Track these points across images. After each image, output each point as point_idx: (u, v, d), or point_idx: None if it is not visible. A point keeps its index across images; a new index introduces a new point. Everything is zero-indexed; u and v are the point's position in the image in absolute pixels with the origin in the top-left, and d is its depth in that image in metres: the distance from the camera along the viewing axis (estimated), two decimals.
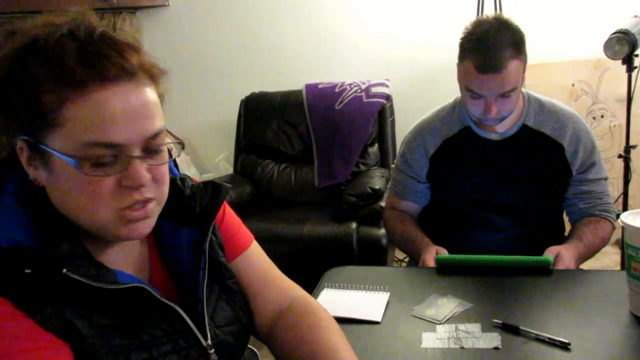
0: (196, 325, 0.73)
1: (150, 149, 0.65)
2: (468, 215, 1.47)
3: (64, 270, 0.61)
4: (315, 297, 1.17)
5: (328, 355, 0.77)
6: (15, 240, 0.62)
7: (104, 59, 0.61)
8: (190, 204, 0.78)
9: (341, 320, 1.05)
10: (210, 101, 3.31)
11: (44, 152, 0.62)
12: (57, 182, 0.64)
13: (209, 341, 0.74)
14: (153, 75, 0.67)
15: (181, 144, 0.72)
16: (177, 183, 0.79)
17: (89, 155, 0.61)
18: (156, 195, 0.67)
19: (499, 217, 1.45)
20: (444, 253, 1.33)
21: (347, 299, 1.14)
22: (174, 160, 0.81)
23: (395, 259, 2.91)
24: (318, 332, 0.82)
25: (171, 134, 3.02)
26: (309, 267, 2.31)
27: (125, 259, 0.74)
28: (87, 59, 0.60)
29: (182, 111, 3.30)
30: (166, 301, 0.70)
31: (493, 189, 1.44)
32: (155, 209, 0.68)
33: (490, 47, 1.25)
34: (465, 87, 1.34)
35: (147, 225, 0.68)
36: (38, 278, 0.61)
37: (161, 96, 0.69)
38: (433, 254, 1.30)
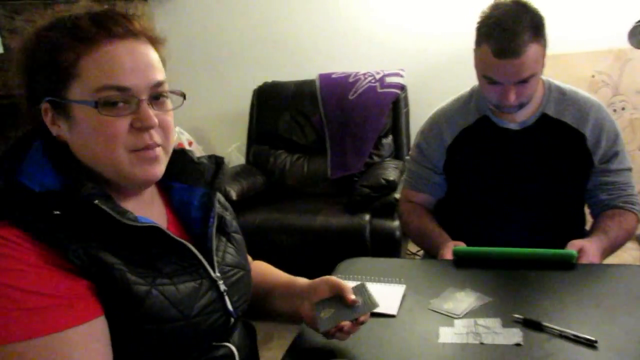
0: (207, 261, 0.82)
1: (155, 96, 0.75)
2: (486, 208, 1.43)
3: (95, 201, 0.69)
4: None
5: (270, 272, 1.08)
6: (45, 185, 0.71)
7: (111, 21, 0.73)
8: (201, 170, 0.90)
9: None
10: (222, 90, 3.28)
11: (66, 105, 0.73)
12: (78, 131, 0.73)
13: (217, 273, 0.83)
14: (154, 40, 0.78)
15: (183, 96, 0.80)
16: (187, 152, 0.92)
17: (103, 98, 0.70)
18: (163, 143, 0.77)
19: (518, 209, 1.40)
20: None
21: None
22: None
23: (408, 252, 2.87)
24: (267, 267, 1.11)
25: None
26: (320, 258, 2.28)
27: (144, 213, 0.80)
28: (97, 21, 0.72)
29: (194, 100, 3.25)
30: (178, 239, 0.78)
31: (512, 180, 1.40)
32: (162, 156, 0.77)
33: (508, 31, 1.20)
34: (482, 73, 1.29)
35: (158, 169, 0.77)
36: (66, 219, 0.68)
37: (163, 60, 0.79)
38: (451, 248, 1.26)
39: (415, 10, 2.90)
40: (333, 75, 2.84)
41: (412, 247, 2.88)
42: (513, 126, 1.39)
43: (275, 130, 2.88)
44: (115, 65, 0.71)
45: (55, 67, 0.71)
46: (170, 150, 0.80)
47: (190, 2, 3.17)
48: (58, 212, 0.68)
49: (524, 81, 1.24)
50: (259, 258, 1.11)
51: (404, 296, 1.08)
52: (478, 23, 1.29)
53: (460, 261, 1.22)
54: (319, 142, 2.81)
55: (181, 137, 3.17)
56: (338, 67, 2.93)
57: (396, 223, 2.25)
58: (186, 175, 0.90)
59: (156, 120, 0.74)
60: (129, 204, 0.78)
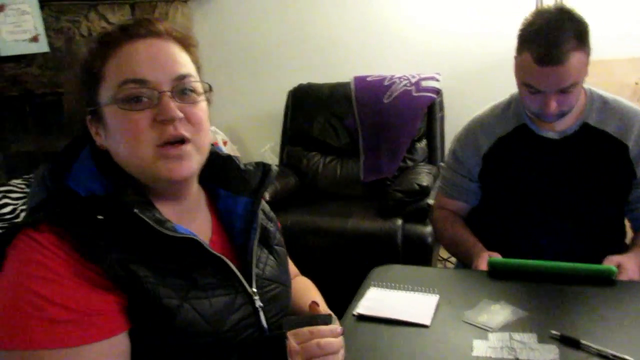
0: (245, 275, 0.81)
1: (179, 90, 0.74)
2: (521, 217, 1.41)
3: (135, 210, 0.70)
4: (361, 295, 1.14)
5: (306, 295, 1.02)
6: (91, 190, 0.73)
7: (136, 25, 0.75)
8: (245, 177, 0.89)
9: (388, 322, 1.03)
10: (257, 91, 3.31)
11: (99, 112, 0.74)
12: (110, 135, 0.74)
13: (254, 288, 0.81)
14: (182, 41, 0.78)
15: (209, 86, 0.80)
16: (234, 159, 0.91)
17: (124, 93, 0.71)
18: (193, 137, 0.74)
19: (555, 221, 1.37)
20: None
21: (394, 300, 1.11)
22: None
23: (440, 258, 2.85)
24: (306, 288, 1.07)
25: None
26: (351, 262, 2.29)
27: (186, 221, 0.81)
28: (124, 27, 0.75)
29: (230, 100, 3.32)
30: (215, 253, 0.77)
31: (550, 191, 1.37)
32: (192, 153, 0.75)
33: (551, 38, 1.18)
34: (522, 81, 1.27)
35: (187, 167, 0.75)
36: (107, 225, 0.69)
37: (195, 63, 0.80)
38: (486, 259, 1.25)
39: (452, 13, 2.87)
40: (368, 78, 2.83)
41: (444, 253, 2.86)
42: (552, 135, 1.36)
43: (309, 132, 2.89)
44: (133, 60, 0.73)
45: (89, 75, 0.75)
46: (205, 148, 0.79)
47: (228, 4, 3.21)
48: (101, 217, 0.69)
49: (566, 90, 1.22)
50: (290, 259, 1.10)
51: (437, 306, 1.07)
52: (520, 30, 1.27)
53: (495, 272, 1.20)
54: (352, 145, 2.81)
55: (216, 136, 3.22)
56: (373, 70, 2.92)
57: (428, 229, 2.24)
58: (232, 182, 0.89)
59: (179, 113, 0.72)
60: (170, 211, 0.79)
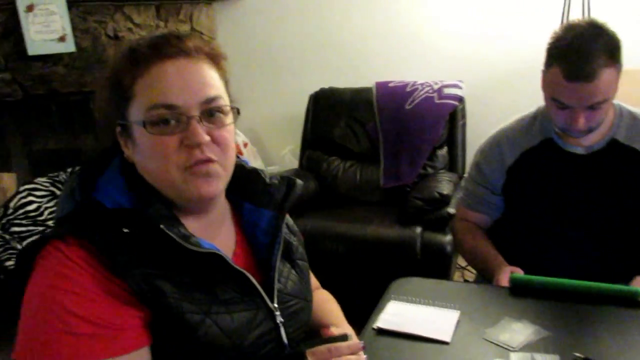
0: (266, 290, 0.81)
1: (207, 112, 0.74)
2: (545, 233, 1.39)
3: (161, 226, 0.71)
4: (381, 308, 1.13)
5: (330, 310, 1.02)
6: (118, 202, 0.74)
7: (165, 43, 0.75)
8: (270, 191, 0.89)
9: (408, 337, 1.02)
10: (279, 94, 3.32)
11: (129, 127, 0.75)
12: (138, 152, 0.75)
13: (276, 304, 0.81)
14: (212, 57, 0.78)
15: (237, 110, 0.80)
16: (260, 172, 0.91)
17: (153, 117, 0.72)
18: (219, 158, 0.75)
19: (580, 238, 1.35)
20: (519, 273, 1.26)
21: (414, 314, 1.10)
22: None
23: (458, 267, 2.82)
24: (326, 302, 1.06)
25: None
26: (370, 268, 2.28)
27: (211, 234, 0.81)
28: (152, 45, 0.74)
29: (252, 102, 3.34)
30: (238, 268, 0.78)
31: (575, 207, 1.35)
32: (219, 172, 0.76)
33: (582, 54, 1.15)
34: (551, 96, 1.25)
35: (212, 185, 0.75)
36: (133, 238, 0.70)
37: (223, 77, 0.80)
38: (508, 275, 1.24)
39: (476, 20, 2.85)
40: (390, 84, 2.82)
41: (463, 261, 2.84)
42: (579, 150, 1.34)
43: (330, 136, 2.89)
44: (163, 84, 0.72)
45: (120, 90, 0.75)
46: (230, 167, 0.79)
47: (253, 6, 3.22)
48: (127, 230, 0.71)
49: (595, 106, 1.20)
50: (308, 263, 1.08)
51: (458, 322, 1.06)
52: (549, 44, 1.25)
53: (517, 289, 1.19)
54: (372, 151, 2.80)
55: (237, 138, 3.24)
56: (395, 75, 2.91)
57: (448, 238, 2.22)
58: (257, 196, 0.89)
59: (206, 137, 0.73)
60: (194, 224, 0.79)
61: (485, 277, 1.38)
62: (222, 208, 0.87)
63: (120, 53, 0.77)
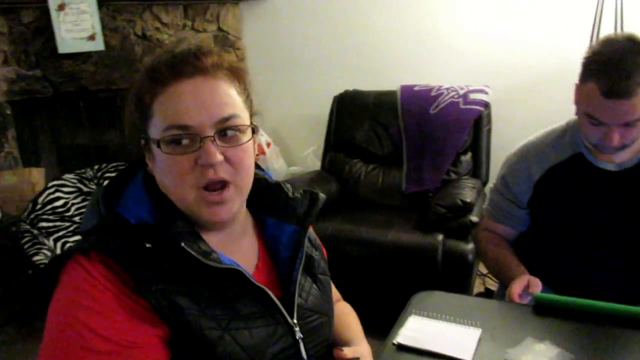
0: (287, 306, 0.81)
1: (222, 131, 0.74)
2: (571, 250, 1.36)
3: (182, 244, 0.72)
4: (402, 322, 1.13)
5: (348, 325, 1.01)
6: (141, 217, 0.75)
7: (182, 62, 0.75)
8: (293, 206, 0.89)
9: (428, 354, 1.02)
10: (303, 95, 3.33)
11: (149, 142, 0.76)
12: (157, 169, 0.76)
13: (295, 320, 0.81)
14: (232, 72, 0.78)
15: (253, 130, 0.79)
16: (282, 186, 0.92)
17: (168, 137, 0.72)
18: (234, 179, 0.75)
19: (607, 256, 1.33)
20: (537, 284, 1.24)
21: (435, 331, 1.10)
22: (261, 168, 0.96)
23: (479, 273, 2.80)
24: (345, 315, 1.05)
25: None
26: (390, 274, 2.28)
27: (231, 249, 0.82)
28: (171, 64, 0.75)
29: (276, 102, 3.35)
30: (258, 284, 0.78)
31: (603, 224, 1.32)
32: (234, 195, 0.76)
33: (621, 70, 1.12)
34: (585, 111, 1.22)
35: (227, 211, 0.76)
36: (155, 253, 0.71)
37: (243, 92, 0.79)
38: (524, 283, 1.22)
39: (504, 24, 2.80)
40: (415, 88, 2.80)
41: (484, 269, 2.80)
42: (610, 167, 1.31)
43: (353, 138, 2.88)
44: (177, 104, 0.73)
45: (141, 107, 0.76)
46: (246, 186, 0.79)
47: (279, 7, 3.23)
48: (149, 245, 0.72)
49: (631, 123, 1.17)
50: (329, 267, 1.08)
51: (479, 341, 1.05)
52: (585, 58, 1.22)
53: (541, 308, 1.17)
54: (395, 155, 2.79)
55: (260, 138, 3.26)
56: (421, 79, 2.89)
57: (470, 246, 2.20)
58: (279, 209, 0.90)
59: (219, 157, 0.72)
60: (215, 239, 0.80)
61: (506, 286, 1.37)
62: (242, 222, 0.87)
63: (144, 68, 0.78)
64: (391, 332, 1.10)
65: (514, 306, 1.22)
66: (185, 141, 0.72)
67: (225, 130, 0.74)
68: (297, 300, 0.84)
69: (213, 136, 0.73)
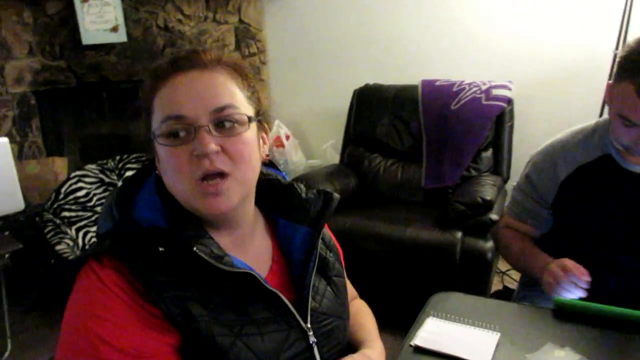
0: (300, 310, 0.80)
1: (219, 122, 0.73)
2: (596, 254, 1.33)
3: (194, 248, 0.71)
4: (419, 324, 1.13)
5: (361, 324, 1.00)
6: (153, 222, 0.74)
7: (182, 59, 0.75)
8: (306, 207, 0.88)
9: (445, 357, 1.01)
10: (324, 88, 3.32)
11: (152, 140, 0.75)
12: (160, 167, 0.76)
13: (309, 324, 0.80)
14: (234, 68, 0.78)
15: (249, 120, 0.76)
16: (296, 187, 0.90)
17: (164, 129, 0.72)
18: (233, 172, 0.73)
19: (633, 261, 1.30)
20: (570, 265, 1.22)
21: (453, 333, 1.09)
22: (277, 167, 0.96)
23: (497, 271, 2.78)
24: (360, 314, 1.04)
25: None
26: (407, 270, 2.27)
27: (242, 251, 0.82)
28: (171, 60, 0.75)
29: (296, 95, 3.35)
30: (270, 287, 0.77)
31: (630, 228, 1.29)
32: (232, 187, 0.73)
33: None
34: (618, 112, 1.18)
35: (224, 202, 0.73)
36: (167, 257, 0.71)
37: (247, 88, 0.79)
38: (557, 268, 1.21)
39: (529, 19, 2.75)
40: (436, 83, 2.77)
41: (502, 266, 2.78)
42: (639, 169, 1.28)
43: (373, 133, 2.87)
44: (173, 96, 0.72)
45: (145, 106, 0.76)
46: (249, 180, 0.77)
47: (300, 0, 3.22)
48: (162, 249, 0.71)
49: None
50: (345, 262, 1.07)
51: (497, 345, 1.05)
52: (622, 57, 1.18)
53: (562, 313, 1.16)
54: (415, 150, 2.77)
55: (280, 130, 3.26)
56: (442, 73, 2.86)
57: (489, 244, 2.18)
58: (292, 211, 0.88)
59: (212, 147, 0.71)
60: (226, 239, 0.80)
61: (534, 277, 1.34)
62: (252, 222, 0.85)
63: (150, 70, 0.78)
64: (408, 334, 1.10)
65: (534, 310, 1.21)
66: (182, 133, 0.72)
67: (223, 121, 0.73)
68: (310, 304, 0.82)
69: (207, 126, 0.71)
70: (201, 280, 0.72)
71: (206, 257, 0.71)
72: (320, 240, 0.88)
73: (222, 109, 0.73)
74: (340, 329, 0.88)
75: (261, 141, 0.82)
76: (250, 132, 0.76)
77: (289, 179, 0.96)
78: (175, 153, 0.72)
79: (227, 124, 0.73)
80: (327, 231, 0.97)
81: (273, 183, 0.91)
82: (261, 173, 0.87)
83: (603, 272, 1.32)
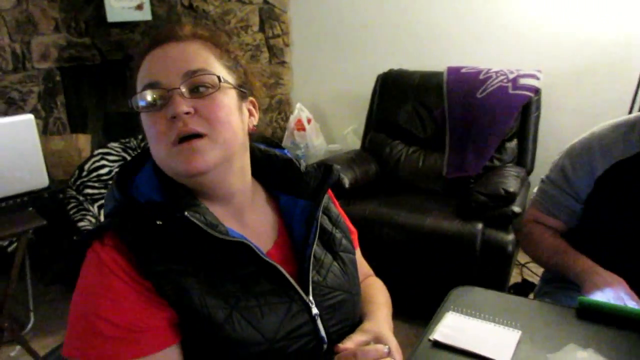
0: (302, 283, 0.81)
1: (190, 85, 0.74)
2: (629, 253, 1.30)
3: (186, 213, 0.71)
4: (439, 318, 1.11)
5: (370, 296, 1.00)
6: (149, 197, 0.76)
7: (159, 34, 0.78)
8: (306, 180, 0.89)
9: (464, 353, 1.00)
10: (347, 72, 3.28)
11: (137, 113, 0.77)
12: (146, 138, 0.77)
13: (311, 297, 0.81)
14: (212, 41, 0.80)
15: (218, 78, 0.77)
16: (294, 162, 0.92)
17: (142, 98, 0.74)
18: (208, 132, 0.73)
19: None
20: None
21: (472, 330, 1.08)
22: (280, 146, 0.97)
23: (517, 263, 2.75)
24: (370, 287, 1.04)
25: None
26: (427, 259, 2.26)
27: (243, 220, 0.84)
28: (151, 38, 0.79)
29: (319, 78, 3.32)
30: (267, 258, 0.77)
31: None
32: (208, 146, 0.73)
33: None
34: None
35: (201, 160, 0.73)
36: (163, 231, 0.72)
37: (227, 59, 0.81)
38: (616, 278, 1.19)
39: (560, 7, 2.67)
40: (462, 70, 2.72)
41: (522, 258, 2.75)
42: None
43: (395, 119, 2.84)
44: (149, 67, 0.76)
45: (132, 85, 0.79)
46: (228, 142, 0.76)
47: None
48: (160, 222, 0.72)
49: None
50: (364, 249, 1.07)
51: (518, 343, 1.03)
52: None
53: (585, 313, 1.13)
54: (438, 138, 2.73)
55: (301, 113, 3.24)
56: (468, 61, 2.79)
57: (510, 237, 2.15)
58: (292, 185, 0.90)
59: (184, 108, 0.72)
60: (221, 211, 0.81)
61: (568, 275, 1.32)
62: (248, 194, 0.86)
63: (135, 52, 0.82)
64: (427, 327, 1.09)
65: (557, 308, 1.19)
66: (159, 102, 0.73)
67: (197, 86, 0.75)
68: (313, 277, 0.83)
69: (179, 88, 0.73)
70: (197, 252, 0.73)
71: (199, 224, 0.72)
72: (322, 215, 0.89)
73: (194, 72, 0.75)
74: (349, 303, 0.88)
75: (247, 112, 0.83)
76: (225, 96, 0.77)
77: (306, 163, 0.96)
78: (153, 119, 0.74)
79: (202, 89, 0.75)
80: (335, 209, 0.97)
81: (272, 159, 0.92)
82: (259, 149, 0.92)
83: (631, 271, 1.29)
